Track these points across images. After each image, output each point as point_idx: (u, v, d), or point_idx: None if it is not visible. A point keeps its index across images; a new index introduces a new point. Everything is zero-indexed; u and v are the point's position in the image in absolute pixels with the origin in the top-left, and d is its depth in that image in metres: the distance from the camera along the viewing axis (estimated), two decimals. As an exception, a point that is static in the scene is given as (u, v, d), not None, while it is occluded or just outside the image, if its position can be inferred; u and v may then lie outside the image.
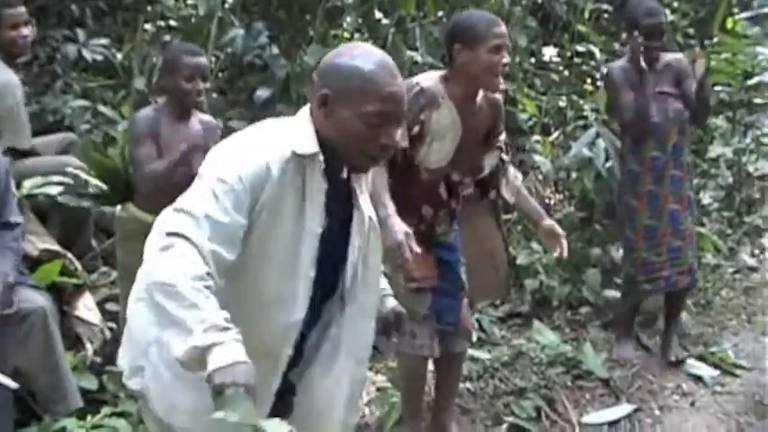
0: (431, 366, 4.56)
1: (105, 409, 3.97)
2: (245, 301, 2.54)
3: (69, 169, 5.20)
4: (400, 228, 3.77)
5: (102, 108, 6.59)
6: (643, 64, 5.46)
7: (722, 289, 7.09)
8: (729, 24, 8.39)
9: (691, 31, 8.31)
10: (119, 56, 7.15)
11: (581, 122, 7.34)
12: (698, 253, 6.16)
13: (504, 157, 4.35)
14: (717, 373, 5.83)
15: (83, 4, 7.31)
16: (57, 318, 4.26)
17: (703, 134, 7.68)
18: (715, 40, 7.99)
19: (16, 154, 5.18)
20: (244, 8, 7.38)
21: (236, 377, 2.20)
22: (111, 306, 4.98)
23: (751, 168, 7.93)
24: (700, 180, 7.63)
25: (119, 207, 4.81)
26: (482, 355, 5.52)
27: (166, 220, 2.43)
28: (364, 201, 2.79)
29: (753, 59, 7.30)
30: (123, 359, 2.80)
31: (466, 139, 4.12)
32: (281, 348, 2.66)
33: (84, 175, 5.08)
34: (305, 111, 2.66)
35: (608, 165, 6.60)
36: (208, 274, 2.34)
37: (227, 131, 2.82)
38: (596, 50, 7.99)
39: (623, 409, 5.42)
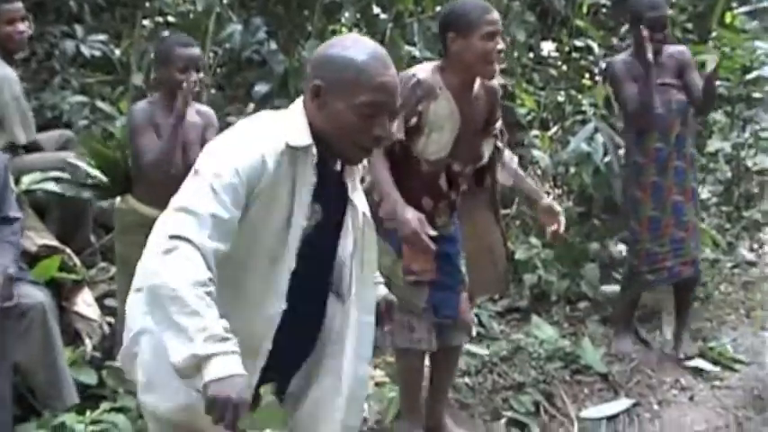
0: (427, 361, 4.56)
1: (104, 405, 3.97)
2: (229, 290, 2.54)
3: (70, 159, 5.22)
4: (413, 216, 3.83)
5: (100, 104, 6.59)
6: (650, 56, 5.45)
7: (721, 283, 7.09)
8: (728, 19, 8.38)
9: (689, 25, 8.29)
10: (117, 52, 7.15)
11: (579, 117, 7.33)
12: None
13: (499, 144, 4.35)
14: (717, 369, 5.84)
15: (81, 0, 7.31)
16: (56, 313, 4.27)
17: (702, 129, 7.67)
18: (713, 34, 7.98)
19: (17, 149, 5.18)
20: (242, 4, 7.37)
21: (230, 391, 2.22)
22: (109, 302, 4.98)
23: (750, 163, 7.92)
24: (698, 174, 7.63)
25: (118, 199, 4.83)
26: (481, 350, 5.53)
27: (168, 220, 2.42)
28: (358, 196, 2.79)
29: (751, 54, 7.29)
30: (122, 347, 2.81)
31: (465, 129, 4.12)
32: (260, 341, 2.65)
33: (85, 166, 5.09)
34: (298, 103, 2.66)
35: (606, 159, 6.60)
36: (210, 279, 2.34)
37: (226, 127, 2.81)
38: (595, 45, 7.98)
39: (622, 403, 5.43)
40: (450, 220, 4.30)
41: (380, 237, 4.08)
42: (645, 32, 5.49)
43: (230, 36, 6.68)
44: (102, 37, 6.98)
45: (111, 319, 4.77)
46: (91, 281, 4.98)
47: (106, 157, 5.04)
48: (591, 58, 8.29)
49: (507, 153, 4.49)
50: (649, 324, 6.36)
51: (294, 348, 2.78)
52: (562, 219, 4.41)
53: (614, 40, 8.24)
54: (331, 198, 2.70)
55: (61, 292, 4.63)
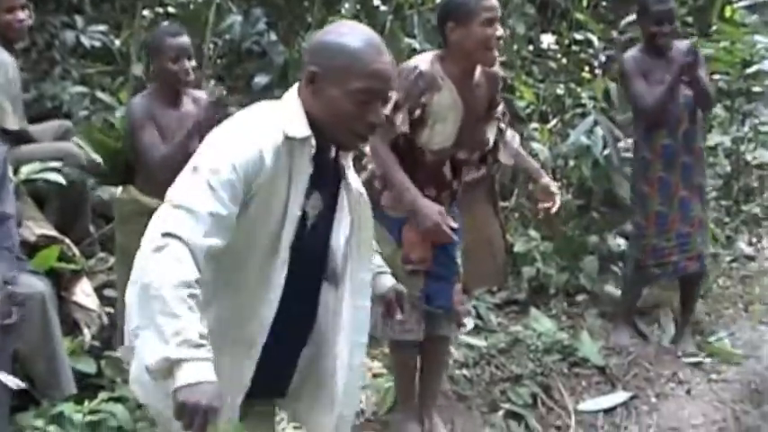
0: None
1: (102, 394, 3.97)
2: (226, 283, 2.55)
3: (72, 149, 5.22)
4: (432, 208, 3.85)
5: (100, 94, 6.60)
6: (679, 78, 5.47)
7: (719, 277, 7.10)
8: (728, 13, 8.38)
9: (689, 19, 8.29)
10: (117, 42, 7.14)
11: (579, 110, 7.34)
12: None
13: (501, 126, 4.35)
14: (714, 361, 5.85)
15: (81, -9, 7.31)
16: (55, 303, 4.26)
17: (703, 123, 7.68)
18: (713, 28, 7.97)
19: (10, 139, 5.17)
20: (242, -6, 7.37)
21: (199, 397, 2.18)
22: (108, 292, 4.98)
23: (749, 157, 7.92)
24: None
25: (119, 189, 4.84)
26: (479, 341, 5.53)
27: (163, 217, 2.39)
28: (351, 176, 2.78)
29: (751, 48, 7.28)
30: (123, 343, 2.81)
31: (468, 118, 4.12)
32: (255, 334, 2.64)
33: (89, 152, 5.11)
34: (293, 91, 2.65)
35: (605, 152, 6.60)
36: (197, 281, 2.31)
37: (225, 118, 2.80)
38: (594, 38, 7.97)
39: (619, 396, 5.44)
40: (449, 211, 4.30)
41: (381, 226, 4.13)
42: (651, 28, 5.52)
43: (230, 27, 6.68)
44: (102, 27, 6.97)
45: (110, 309, 4.78)
46: (90, 271, 4.98)
47: (107, 146, 5.05)
48: (590, 51, 8.28)
49: (509, 133, 4.50)
50: (648, 317, 6.37)
51: (288, 341, 2.76)
52: (558, 199, 4.43)
53: (614, 33, 8.23)
54: (328, 185, 2.70)
55: (60, 281, 4.63)
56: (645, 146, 5.78)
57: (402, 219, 4.17)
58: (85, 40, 6.84)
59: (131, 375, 2.70)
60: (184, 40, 4.61)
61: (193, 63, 4.66)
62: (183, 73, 4.58)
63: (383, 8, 7.13)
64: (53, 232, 4.85)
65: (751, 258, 7.67)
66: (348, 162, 2.78)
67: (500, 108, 4.33)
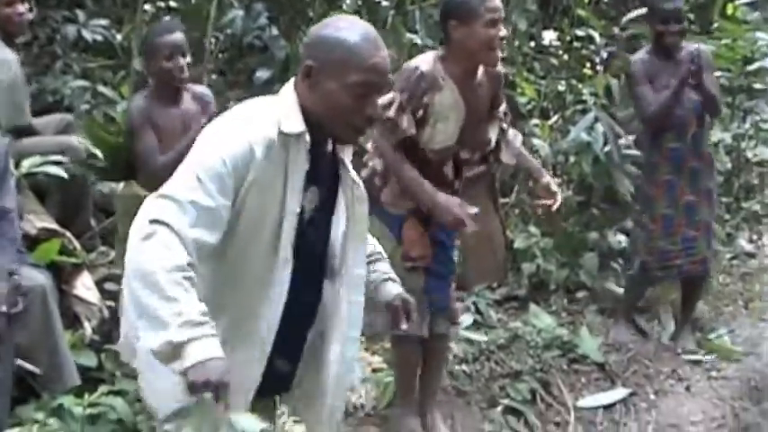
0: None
1: (103, 388, 3.97)
2: (230, 283, 2.55)
3: (73, 142, 5.22)
4: (451, 201, 3.92)
5: (101, 88, 6.60)
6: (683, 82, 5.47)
7: (720, 275, 7.10)
8: (729, 10, 8.38)
9: (691, 16, 8.28)
10: (118, 36, 7.14)
11: (580, 107, 7.32)
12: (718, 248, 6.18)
13: (504, 126, 4.36)
14: (713, 358, 5.86)
15: (83, -16, 7.31)
16: (56, 296, 4.27)
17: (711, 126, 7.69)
18: (715, 25, 7.97)
19: (15, 133, 5.17)
20: (243, -11, 7.37)
21: (209, 374, 2.20)
22: (109, 285, 4.98)
23: (750, 154, 7.92)
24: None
25: (121, 184, 4.84)
26: (478, 337, 5.53)
27: (150, 206, 2.41)
28: (349, 170, 2.77)
29: (752, 45, 7.29)
30: (121, 337, 2.81)
31: (470, 117, 4.13)
32: (264, 332, 2.64)
33: (90, 147, 5.11)
34: (289, 86, 2.65)
35: (606, 149, 6.60)
36: (189, 264, 2.32)
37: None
38: (596, 35, 7.95)
39: (618, 393, 5.46)
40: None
41: (381, 223, 4.14)
42: (658, 27, 5.51)
43: (232, 21, 6.68)
44: (103, 22, 6.97)
45: (111, 303, 4.77)
46: (91, 264, 4.97)
47: (108, 143, 5.05)
48: (592, 47, 8.27)
49: (511, 132, 4.51)
50: (648, 314, 6.38)
51: (292, 337, 2.77)
52: (559, 197, 4.43)
53: (615, 30, 8.22)
54: (325, 179, 2.70)
55: (61, 275, 4.62)
56: (652, 149, 5.80)
57: (402, 216, 4.18)
58: (87, 35, 6.84)
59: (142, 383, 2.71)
60: (177, 36, 4.60)
61: (189, 60, 4.64)
62: (178, 70, 4.56)
63: (385, 3, 7.12)
64: (54, 225, 4.84)
65: (751, 255, 7.66)
66: (345, 156, 2.77)
67: (502, 107, 4.33)
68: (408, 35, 6.73)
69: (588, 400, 5.37)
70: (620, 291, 6.51)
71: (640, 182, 6.11)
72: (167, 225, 2.34)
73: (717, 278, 7.00)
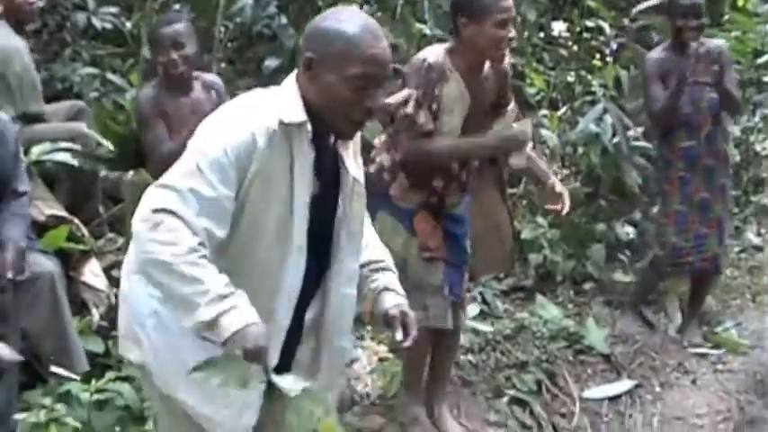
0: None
1: (110, 374, 3.98)
2: (241, 276, 2.53)
3: (83, 129, 5.24)
4: (515, 128, 4.04)
5: (110, 76, 6.62)
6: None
7: (727, 268, 7.09)
8: (740, 2, 8.36)
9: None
10: (128, 24, 7.15)
11: (589, 98, 7.32)
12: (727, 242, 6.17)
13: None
14: (720, 352, 5.86)
15: (93, -28, 7.31)
16: (64, 282, 4.29)
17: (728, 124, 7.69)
18: (725, 17, 7.96)
19: (25, 120, 5.19)
20: (253, -22, 7.36)
21: (245, 344, 2.31)
22: (117, 272, 4.98)
23: (759, 147, 7.93)
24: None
25: (130, 172, 4.85)
26: (484, 327, 5.54)
27: (152, 196, 2.43)
28: (351, 165, 2.75)
29: (763, 38, 7.29)
30: (119, 329, 2.82)
31: (474, 111, 4.12)
32: (279, 321, 2.66)
33: (98, 137, 5.12)
34: (291, 77, 2.65)
35: (615, 140, 6.60)
36: (200, 244, 2.37)
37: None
38: (606, 26, 7.95)
39: (624, 384, 5.46)
40: (459, 201, 4.31)
41: (391, 216, 4.14)
42: (677, 22, 5.50)
43: (241, 10, 6.67)
44: (113, 9, 6.98)
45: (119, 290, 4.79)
46: (99, 251, 4.99)
47: (117, 133, 5.06)
48: (602, 38, 8.27)
49: None
50: (655, 306, 6.38)
51: (296, 323, 2.78)
52: (566, 200, 4.41)
53: (625, 21, 8.22)
54: (328, 171, 2.69)
55: (69, 262, 4.64)
56: (664, 146, 5.80)
57: (412, 210, 4.19)
58: (96, 22, 6.85)
59: (157, 378, 2.72)
60: (176, 28, 4.58)
61: (190, 51, 4.62)
62: (170, 65, 4.56)
63: (394, -7, 7.12)
64: (62, 212, 4.86)
65: (759, 249, 7.66)
66: (349, 152, 2.76)
67: (511, 105, 4.32)
68: (417, 25, 6.72)
69: (594, 392, 5.37)
70: (628, 282, 6.52)
71: (654, 176, 6.11)
72: (172, 213, 2.37)
73: (724, 272, 6.99)
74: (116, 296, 4.70)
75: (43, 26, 6.93)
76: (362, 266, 2.84)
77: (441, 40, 5.06)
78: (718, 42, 5.78)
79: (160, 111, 4.58)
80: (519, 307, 6.19)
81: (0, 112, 4.35)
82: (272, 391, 2.47)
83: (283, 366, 2.71)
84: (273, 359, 2.64)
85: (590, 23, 8.00)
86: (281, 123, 2.51)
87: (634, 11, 7.81)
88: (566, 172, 7.60)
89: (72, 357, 4.17)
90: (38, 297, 4.09)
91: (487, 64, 4.14)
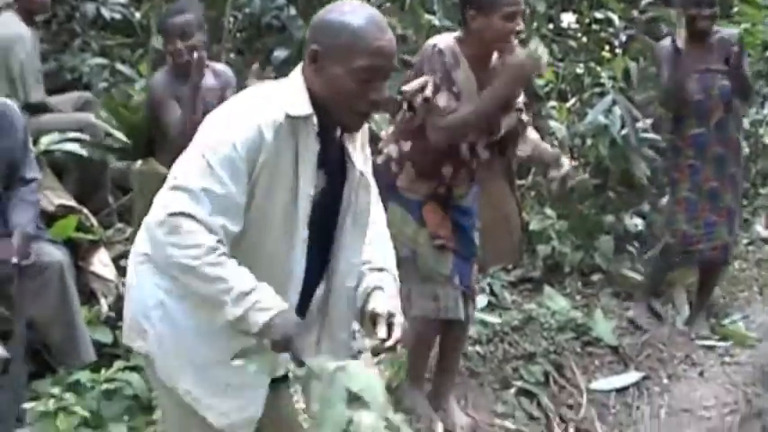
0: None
1: (118, 363, 4.00)
2: (252, 269, 2.52)
3: (91, 120, 5.25)
4: (514, 62, 3.94)
5: (120, 66, 6.63)
6: (680, 44, 5.45)
7: (735, 260, 7.09)
8: (750, -6, 8.35)
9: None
10: (137, 14, 7.17)
11: (598, 89, 7.32)
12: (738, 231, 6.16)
13: (524, 117, 4.34)
14: (727, 344, 5.86)
15: (102, -37, 7.32)
16: (73, 272, 4.30)
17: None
18: (735, 9, 7.94)
19: (28, 109, 5.20)
20: (262, -32, 7.36)
21: (274, 336, 2.41)
22: (125, 262, 4.99)
23: (767, 140, 7.90)
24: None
25: (139, 161, 4.87)
26: (492, 319, 5.54)
27: (165, 200, 2.45)
28: (358, 158, 2.75)
29: (772, 30, 7.28)
30: (124, 320, 2.82)
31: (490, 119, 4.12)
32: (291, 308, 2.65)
33: (108, 128, 5.14)
34: (297, 70, 2.64)
35: (623, 132, 6.59)
36: (218, 241, 2.41)
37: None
38: (615, 17, 7.94)
39: (631, 376, 5.46)
40: (467, 192, 4.31)
41: (400, 207, 4.14)
42: (691, 11, 5.50)
43: (250, 1, 6.69)
44: (122, 0, 6.99)
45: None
46: (107, 241, 5.00)
47: (129, 121, 5.08)
48: (611, 30, 8.25)
49: (530, 129, 4.48)
50: (663, 298, 6.38)
51: (300, 315, 2.77)
52: (565, 162, 4.41)
53: (635, 13, 8.20)
54: (334, 164, 2.69)
55: (78, 251, 4.66)
56: (675, 134, 5.80)
57: (420, 201, 4.19)
58: (106, 13, 6.87)
59: (160, 369, 2.72)
60: (183, 19, 4.61)
61: (194, 42, 4.64)
62: (176, 54, 4.59)
63: (403, -17, 7.11)
64: (72, 202, 4.88)
65: (767, 241, 7.65)
66: (356, 144, 2.75)
67: (520, 98, 4.31)
68: (426, 16, 6.72)
69: (601, 383, 5.38)
70: (635, 274, 6.52)
71: (664, 164, 6.10)
72: (187, 215, 2.39)
73: (732, 264, 6.99)
74: (124, 286, 4.73)
75: (52, 17, 6.95)
76: (363, 263, 2.83)
77: (449, 32, 5.05)
78: (732, 31, 5.76)
79: (173, 95, 4.61)
80: (527, 298, 6.19)
81: (8, 100, 4.36)
82: (277, 384, 2.50)
83: None
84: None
85: (599, 15, 7.98)
86: (288, 116, 2.50)
87: (643, 2, 7.80)
88: (574, 163, 7.58)
89: (79, 347, 4.19)
90: (46, 286, 4.10)
91: (495, 54, 4.14)
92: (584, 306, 6.15)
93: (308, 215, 2.59)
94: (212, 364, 2.62)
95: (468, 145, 4.18)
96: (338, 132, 2.69)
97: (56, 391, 3.82)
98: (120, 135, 5.15)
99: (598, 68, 7.57)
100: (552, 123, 6.96)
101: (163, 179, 2.72)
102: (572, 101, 7.69)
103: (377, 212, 2.92)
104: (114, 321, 4.51)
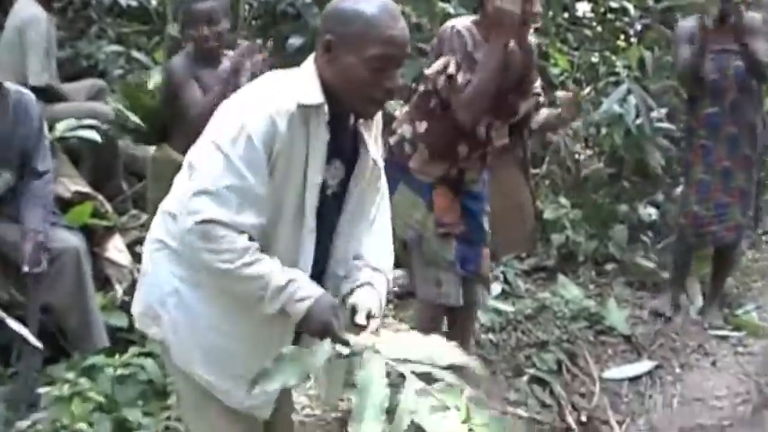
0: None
1: (133, 349, 4.01)
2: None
3: (105, 108, 5.27)
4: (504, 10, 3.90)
5: (135, 54, 6.65)
6: (709, 23, 5.45)
7: (749, 250, 7.08)
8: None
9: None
10: (153, 2, 7.18)
11: (613, 79, 7.31)
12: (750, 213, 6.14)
13: (542, 99, 4.34)
14: (740, 335, 5.85)
15: (118, -50, 7.34)
16: (89, 258, 4.32)
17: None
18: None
19: (42, 95, 5.22)
20: (278, -44, 7.37)
21: (313, 324, 2.50)
22: (140, 248, 5.01)
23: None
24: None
25: (153, 147, 4.88)
26: (506, 307, 5.55)
27: (192, 207, 2.46)
28: (372, 146, 2.75)
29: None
30: (137, 306, 2.83)
31: (499, 87, 4.11)
32: None
33: (124, 110, 5.15)
34: (309, 60, 2.64)
35: (638, 121, 6.58)
36: (249, 239, 2.46)
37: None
38: (630, 6, 7.93)
39: (644, 365, 5.47)
40: (478, 177, 4.31)
41: (411, 190, 4.15)
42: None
43: (265, -12, 6.70)
44: (138, -13, 7.02)
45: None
46: (122, 227, 5.02)
47: (145, 105, 5.09)
48: (626, 19, 8.23)
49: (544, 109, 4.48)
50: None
51: None
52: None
53: (650, 2, 8.17)
54: (349, 154, 2.69)
55: (93, 238, 4.67)
56: (689, 113, 5.81)
57: (431, 183, 4.19)
58: (122, 0, 6.87)
59: (176, 355, 2.73)
60: (207, 5, 4.61)
61: (219, 28, 4.66)
62: (202, 39, 4.61)
63: (418, -29, 7.10)
64: (87, 189, 4.89)
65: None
66: (369, 132, 2.75)
67: (538, 83, 4.30)
68: (441, 4, 6.71)
69: (614, 372, 5.39)
70: (649, 263, 6.52)
71: (680, 146, 6.09)
72: (215, 221, 2.43)
73: (745, 254, 6.98)
74: (139, 271, 4.75)
75: (68, 4, 6.97)
76: (359, 257, 2.82)
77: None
78: (753, 13, 5.75)
79: (194, 76, 4.63)
80: (540, 287, 6.21)
81: (23, 88, 4.37)
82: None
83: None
84: (288, 341, 2.67)
85: (614, 4, 7.97)
86: (299, 105, 2.50)
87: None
88: (589, 152, 7.59)
89: (94, 332, 4.21)
90: (62, 272, 4.13)
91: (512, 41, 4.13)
92: (597, 295, 6.16)
93: (315, 205, 2.59)
94: (226, 351, 2.64)
95: (486, 127, 4.18)
96: (351, 121, 2.69)
97: (70, 375, 3.84)
98: (135, 118, 5.16)
99: (613, 57, 7.56)
100: (567, 112, 6.94)
101: (177, 166, 2.73)
102: (587, 90, 7.67)
103: (383, 205, 2.91)
104: (129, 307, 4.51)
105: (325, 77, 2.56)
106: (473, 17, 4.17)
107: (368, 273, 2.78)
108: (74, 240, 4.23)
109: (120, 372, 3.93)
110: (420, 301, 4.45)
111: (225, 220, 2.42)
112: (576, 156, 7.40)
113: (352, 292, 2.72)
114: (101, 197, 4.89)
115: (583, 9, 8.60)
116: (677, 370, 5.49)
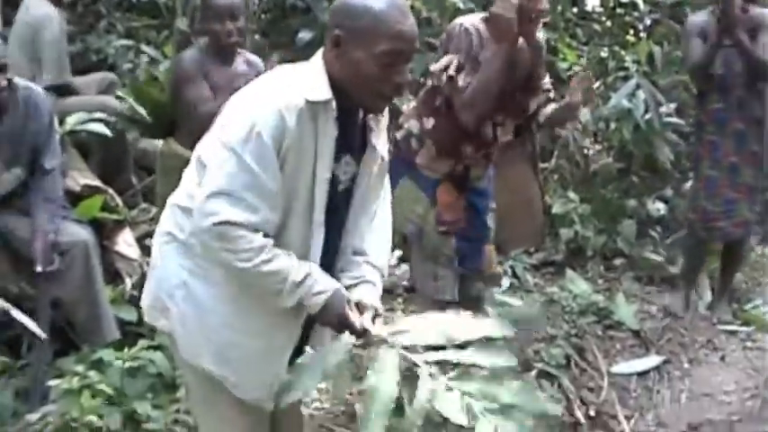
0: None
1: (142, 342, 4.03)
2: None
3: (114, 102, 5.28)
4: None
5: (145, 48, 6.66)
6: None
7: (758, 245, 7.06)
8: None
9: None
10: (162, -4, 7.19)
11: (622, 73, 7.29)
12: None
13: (552, 95, 4.33)
14: (749, 329, 5.84)
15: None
16: (98, 251, 4.33)
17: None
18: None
19: (56, 91, 5.24)
20: (288, -50, 7.38)
21: (330, 320, 2.57)
22: (150, 242, 5.03)
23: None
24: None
25: (160, 142, 4.89)
26: (514, 301, 5.55)
27: (208, 210, 2.47)
28: (380, 142, 2.75)
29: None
30: (146, 298, 2.84)
31: (507, 84, 4.11)
32: None
33: (133, 103, 5.17)
34: (318, 55, 2.64)
35: (647, 116, 6.57)
36: (265, 236, 2.48)
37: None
38: (639, 1, 7.92)
39: (653, 360, 5.46)
40: (483, 173, 4.31)
41: (415, 184, 4.15)
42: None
43: (275, -17, 6.71)
44: (148, -19, 7.04)
45: (150, 259, 4.83)
46: (132, 221, 5.03)
47: (152, 99, 5.10)
48: (635, 13, 8.22)
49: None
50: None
51: None
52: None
53: (660, -4, 8.17)
54: (357, 148, 2.69)
55: (103, 231, 4.68)
56: (698, 108, 5.80)
57: (437, 179, 4.19)
58: (131, -6, 6.91)
59: (183, 348, 2.74)
60: (231, 0, 4.62)
61: (240, 24, 4.66)
62: (225, 34, 4.60)
63: (427, -34, 7.10)
64: (97, 182, 4.91)
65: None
66: (378, 126, 2.75)
67: (547, 80, 4.30)
68: (450, -1, 6.73)
69: (622, 367, 5.38)
70: (657, 257, 6.52)
71: (690, 141, 6.08)
72: (231, 223, 2.45)
73: (754, 249, 6.96)
74: (148, 265, 4.76)
75: (78, -2, 6.99)
76: (359, 252, 2.83)
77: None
78: (762, 10, 5.73)
79: (203, 72, 4.62)
80: (549, 281, 6.21)
81: (33, 84, 4.38)
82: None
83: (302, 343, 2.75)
84: (295, 336, 2.70)
85: (624, -1, 7.97)
86: (308, 101, 2.50)
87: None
88: (598, 147, 7.59)
89: (103, 325, 4.23)
90: (72, 266, 4.14)
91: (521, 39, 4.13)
92: (605, 290, 6.16)
93: (324, 200, 2.60)
94: (238, 347, 2.65)
95: (492, 125, 4.18)
96: (360, 116, 2.69)
97: (80, 368, 3.85)
98: (142, 111, 5.17)
99: (622, 52, 7.55)
100: (576, 107, 6.93)
101: (185, 160, 2.74)
102: (596, 84, 7.66)
103: (385, 200, 2.92)
104: (138, 300, 4.53)
105: (334, 72, 2.56)
106: (483, 14, 4.17)
107: (368, 269, 2.80)
108: (83, 234, 4.25)
109: (129, 365, 3.94)
110: (420, 295, 4.46)
111: (241, 220, 2.44)
112: (585, 150, 7.39)
113: (353, 287, 2.72)
114: (110, 191, 4.91)
115: (592, 4, 8.59)
116: (686, 365, 5.48)
